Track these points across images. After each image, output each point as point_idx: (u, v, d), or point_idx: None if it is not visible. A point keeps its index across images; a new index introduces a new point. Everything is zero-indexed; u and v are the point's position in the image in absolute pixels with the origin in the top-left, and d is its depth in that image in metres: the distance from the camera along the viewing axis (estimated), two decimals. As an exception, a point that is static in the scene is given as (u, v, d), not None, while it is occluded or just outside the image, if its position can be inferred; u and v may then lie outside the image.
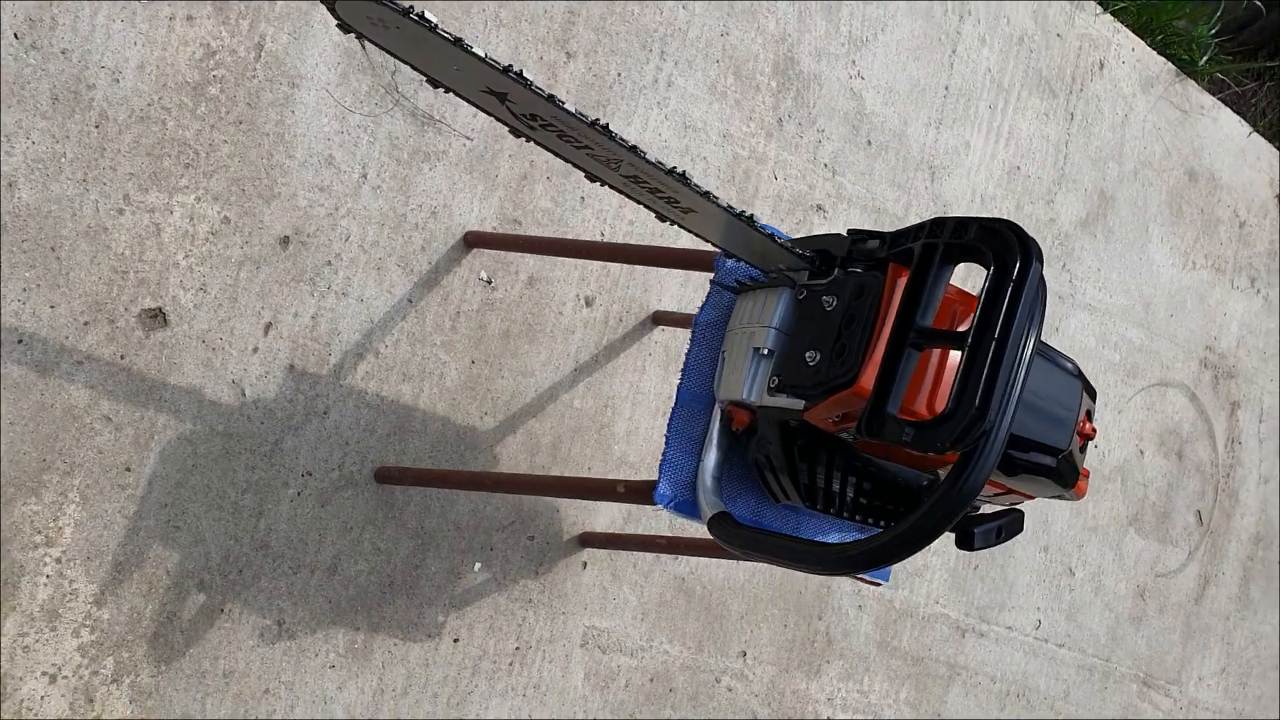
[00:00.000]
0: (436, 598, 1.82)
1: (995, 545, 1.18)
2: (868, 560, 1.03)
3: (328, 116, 1.72)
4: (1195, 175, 2.91)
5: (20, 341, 1.50)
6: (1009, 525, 1.18)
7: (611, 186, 1.11)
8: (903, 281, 1.05)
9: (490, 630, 1.87)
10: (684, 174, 1.04)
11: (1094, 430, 1.20)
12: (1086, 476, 1.38)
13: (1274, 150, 3.10)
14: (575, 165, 1.08)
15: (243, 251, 1.66)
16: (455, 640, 1.84)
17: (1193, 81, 2.90)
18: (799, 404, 1.12)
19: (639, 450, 2.02)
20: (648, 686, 2.04)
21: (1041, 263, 0.99)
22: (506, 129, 1.05)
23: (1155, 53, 2.81)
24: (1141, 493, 2.81)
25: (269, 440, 1.67)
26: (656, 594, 2.04)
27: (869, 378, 1.03)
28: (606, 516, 1.99)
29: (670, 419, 1.25)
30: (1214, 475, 2.97)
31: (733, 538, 1.16)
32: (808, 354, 1.12)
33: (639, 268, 1.99)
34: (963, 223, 1.02)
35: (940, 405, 1.05)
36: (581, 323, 1.96)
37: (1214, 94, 3.03)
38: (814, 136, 2.23)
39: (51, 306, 1.52)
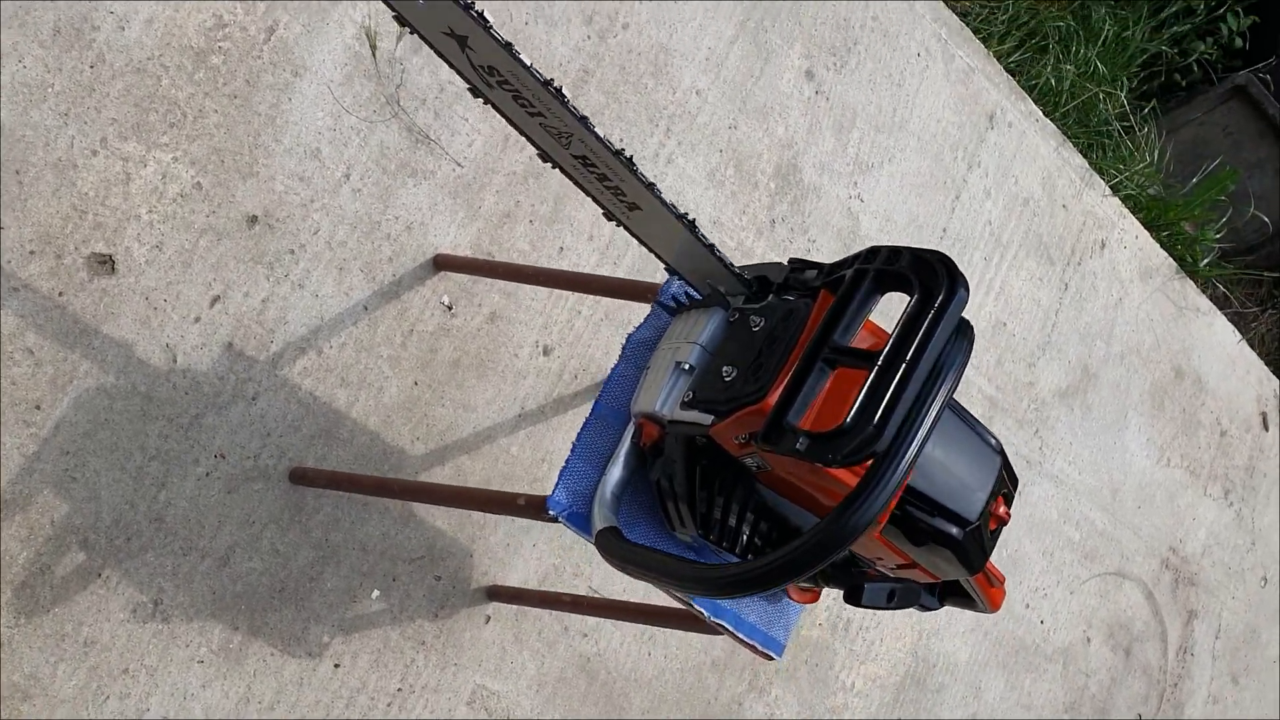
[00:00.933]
0: (326, 616, 1.74)
1: (885, 609, 1.12)
2: (745, 581, 0.97)
3: (323, 112, 1.74)
4: (1182, 374, 2.90)
5: (-40, 254, 1.48)
6: (904, 593, 1.12)
7: (562, 169, 1.10)
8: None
9: (375, 664, 1.78)
10: (630, 158, 1.03)
11: (1008, 515, 1.15)
12: (1002, 583, 1.32)
13: (1265, 369, 3.10)
14: (529, 138, 1.07)
15: (208, 220, 1.65)
16: (336, 665, 1.75)
17: (1192, 282, 2.92)
18: (708, 419, 1.08)
19: (568, 513, 1.96)
20: (529, 763, 1.93)
21: (968, 295, 0.96)
22: (466, 87, 1.04)
23: (1158, 245, 2.84)
24: (1083, 682, 2.71)
25: (189, 413, 1.63)
26: (558, 668, 1.95)
27: (776, 397, 1.00)
28: (521, 573, 1.92)
29: (581, 429, 1.21)
30: (1161, 681, 2.86)
31: (614, 550, 1.11)
32: (725, 369, 1.08)
33: (604, 326, 1.97)
34: (896, 251, 1.00)
35: None
36: (535, 370, 1.93)
37: (1219, 308, 3.04)
38: (804, 244, 2.23)
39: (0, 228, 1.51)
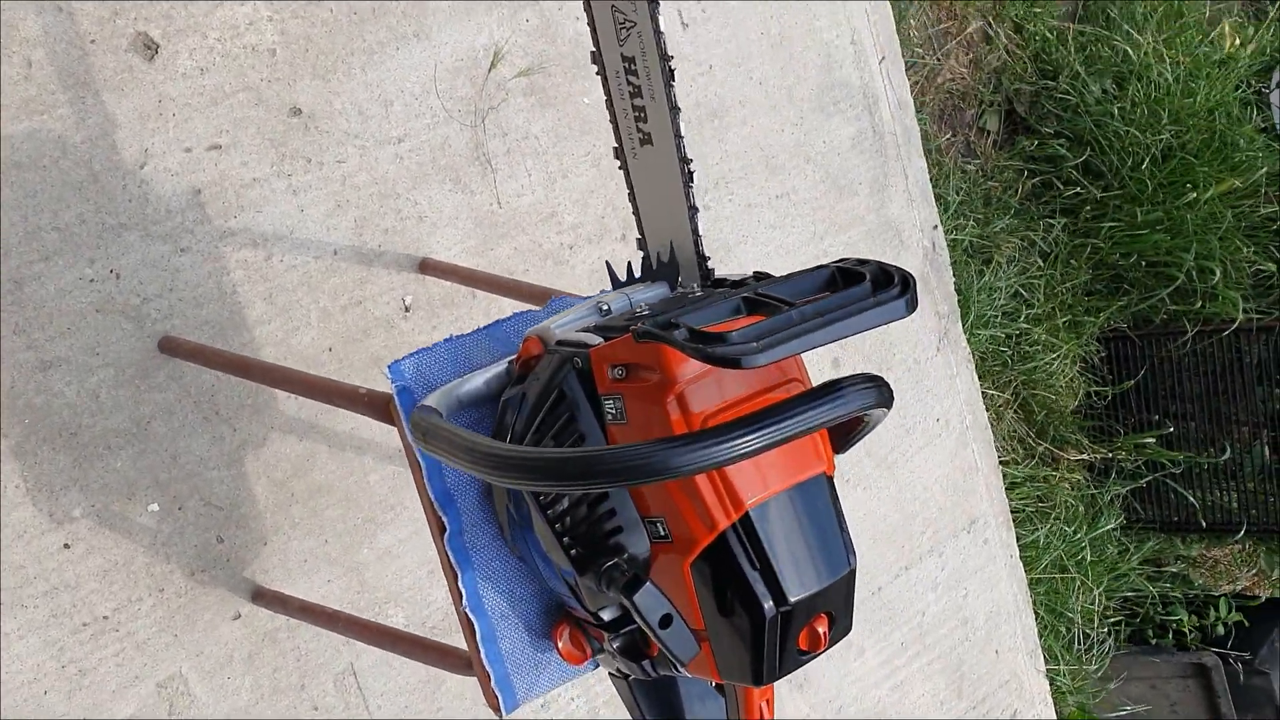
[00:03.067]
0: (93, 493, 1.55)
1: (656, 630, 0.94)
2: (549, 467, 0.85)
3: (417, 79, 1.77)
4: None
5: (39, -52, 1.48)
6: (679, 631, 0.95)
7: (605, 74, 1.08)
8: (775, 295, 0.95)
9: (102, 574, 1.56)
10: (673, 71, 1.01)
11: (824, 643, 0.99)
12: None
13: None
14: (593, 23, 1.07)
15: (259, 83, 1.64)
16: (66, 545, 1.54)
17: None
18: (596, 340, 0.98)
19: (380, 578, 1.77)
20: (171, 799, 1.63)
21: (911, 311, 0.88)
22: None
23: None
24: None
25: (119, 218, 1.55)
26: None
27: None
28: (310, 589, 1.70)
29: (463, 334, 1.11)
30: None
31: (421, 422, 0.98)
32: (640, 306, 1.00)
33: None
34: (864, 261, 0.93)
35: None
36: (443, 420, 1.81)
37: None
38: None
39: (89, -44, 1.52)
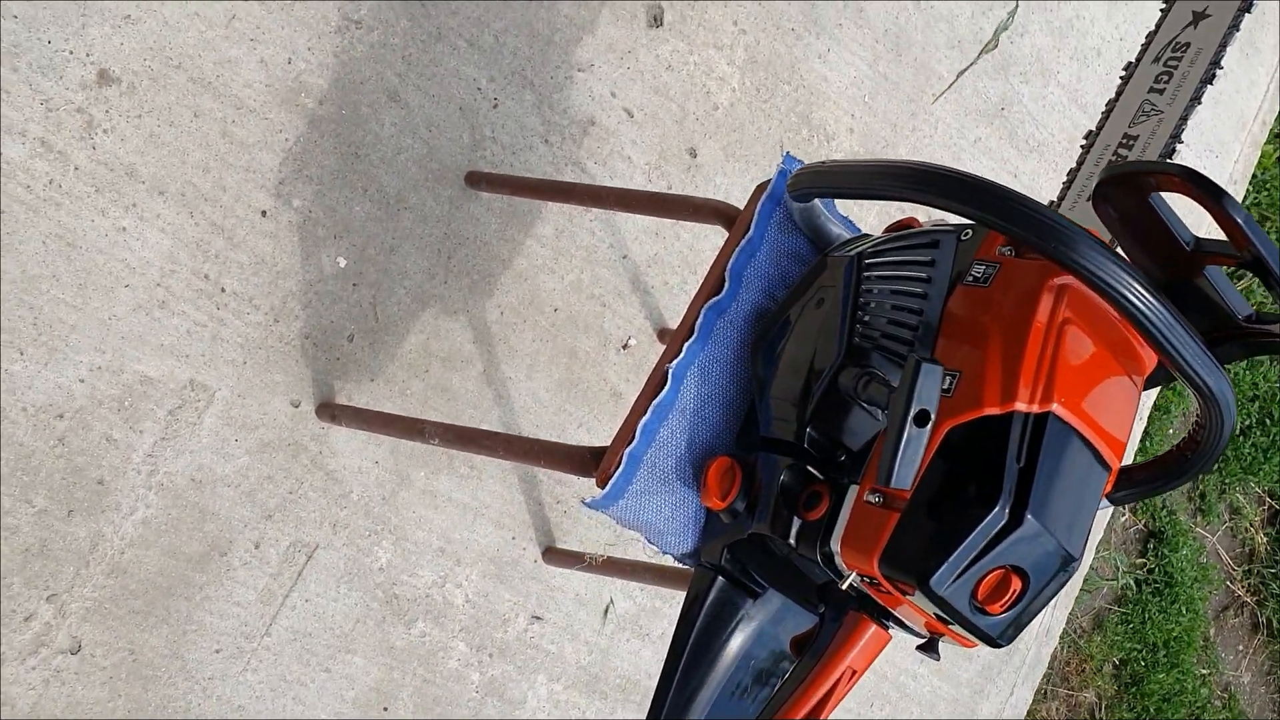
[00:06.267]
0: (323, 204, 1.54)
1: (908, 421, 0.83)
2: (971, 185, 0.87)
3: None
4: None
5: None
6: (921, 440, 0.84)
7: (1090, 145, 1.17)
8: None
9: (258, 260, 1.50)
10: (1175, 149, 1.10)
11: (1008, 600, 0.85)
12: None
13: None
14: (1112, 106, 1.18)
15: (690, 113, 1.83)
16: (263, 213, 1.51)
17: None
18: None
19: (406, 504, 1.63)
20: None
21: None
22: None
23: None
24: None
25: (533, 76, 1.68)
26: (260, 477, 1.50)
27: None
28: (364, 444, 1.58)
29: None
30: None
31: (805, 170, 1.01)
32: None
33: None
34: None
35: None
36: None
37: None
38: None
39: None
